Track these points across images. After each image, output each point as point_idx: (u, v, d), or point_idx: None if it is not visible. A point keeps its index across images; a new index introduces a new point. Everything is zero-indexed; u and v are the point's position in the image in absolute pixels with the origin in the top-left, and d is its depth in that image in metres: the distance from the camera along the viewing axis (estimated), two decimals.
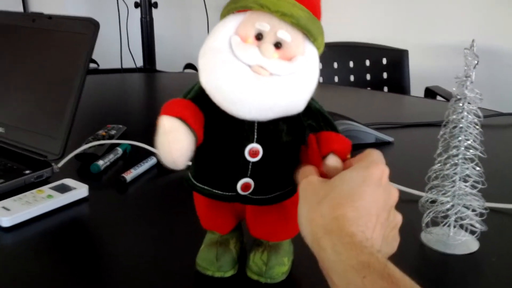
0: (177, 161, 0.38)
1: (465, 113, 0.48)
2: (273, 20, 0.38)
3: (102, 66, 2.09)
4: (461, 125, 0.48)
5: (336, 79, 1.49)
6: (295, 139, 0.42)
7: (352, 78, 1.49)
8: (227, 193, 0.43)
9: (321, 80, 1.41)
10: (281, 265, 0.46)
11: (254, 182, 0.42)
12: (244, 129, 0.40)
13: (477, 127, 0.48)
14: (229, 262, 0.46)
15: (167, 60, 2.38)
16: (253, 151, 0.41)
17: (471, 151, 0.49)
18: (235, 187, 0.42)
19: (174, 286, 0.46)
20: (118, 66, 2.25)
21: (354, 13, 2.06)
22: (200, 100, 0.40)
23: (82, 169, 0.71)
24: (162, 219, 0.59)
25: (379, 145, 0.82)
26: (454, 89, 0.48)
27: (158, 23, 2.35)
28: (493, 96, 1.75)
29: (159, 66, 2.37)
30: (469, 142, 0.48)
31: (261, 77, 0.37)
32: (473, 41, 0.45)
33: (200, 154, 0.43)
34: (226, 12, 0.40)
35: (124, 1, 2.31)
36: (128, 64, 2.28)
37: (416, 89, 1.46)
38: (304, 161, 0.42)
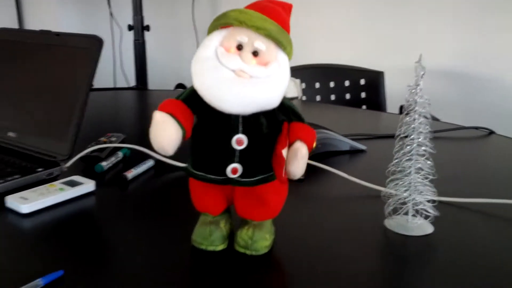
0: (165, 147, 0.47)
1: (416, 116, 0.57)
2: (250, 33, 0.47)
3: (96, 85, 2.18)
4: (413, 126, 0.58)
5: (318, 98, 1.59)
6: (273, 131, 0.50)
7: (333, 97, 1.60)
8: (219, 177, 0.51)
9: (304, 98, 1.51)
10: (263, 240, 0.54)
11: (242, 167, 0.50)
12: (231, 122, 0.49)
13: (427, 127, 0.58)
14: (220, 238, 0.55)
15: (159, 80, 2.48)
16: (239, 140, 0.49)
17: (422, 147, 0.58)
18: (225, 172, 0.50)
19: (173, 259, 0.54)
20: (112, 86, 2.34)
21: (334, 38, 2.18)
22: (192, 100, 0.49)
23: (86, 170, 0.79)
24: (159, 209, 0.67)
25: (353, 152, 0.92)
26: (406, 96, 0.57)
27: (150, 45, 2.44)
28: (466, 113, 1.88)
29: (151, 86, 2.47)
30: (420, 140, 0.58)
31: (242, 79, 0.46)
32: (420, 55, 0.55)
33: (196, 146, 0.52)
34: (212, 28, 0.49)
35: (117, 24, 2.41)
36: (121, 84, 2.38)
37: (393, 107, 1.57)
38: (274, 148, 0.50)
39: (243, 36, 0.47)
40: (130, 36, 2.40)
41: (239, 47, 0.47)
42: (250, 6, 0.49)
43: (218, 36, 0.48)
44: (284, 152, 0.49)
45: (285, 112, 0.51)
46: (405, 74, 1.90)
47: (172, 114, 0.47)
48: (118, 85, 2.40)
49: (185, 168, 0.54)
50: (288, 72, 0.49)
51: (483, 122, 1.11)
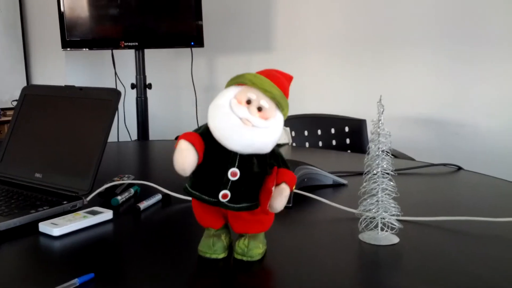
0: (186, 170, 0.59)
1: (380, 145, 0.71)
2: (259, 93, 0.61)
3: None
4: (377, 153, 0.71)
5: (307, 144, 1.73)
6: (261, 171, 0.63)
7: (320, 143, 1.74)
8: (211, 199, 0.63)
9: (294, 145, 1.65)
10: (257, 248, 0.66)
11: (230, 194, 0.62)
12: (230, 157, 0.61)
13: (389, 154, 0.71)
14: (221, 247, 0.66)
15: (159, 134, 2.63)
16: (233, 172, 0.61)
17: (385, 171, 0.71)
18: (217, 196, 0.62)
19: (183, 266, 0.65)
20: (115, 140, 2.49)
21: (321, 90, 2.37)
22: (205, 135, 0.61)
23: (103, 203, 0.91)
24: (167, 232, 0.78)
25: (336, 186, 1.04)
26: (371, 129, 0.71)
27: (152, 102, 2.61)
28: (443, 155, 2.02)
29: (151, 139, 2.61)
30: (383, 165, 0.71)
31: (246, 126, 0.59)
32: (380, 96, 0.70)
33: (198, 170, 0.64)
34: (230, 84, 0.63)
35: (121, 83, 2.59)
36: (124, 138, 2.52)
37: None
38: (265, 185, 0.63)
39: (253, 94, 0.60)
40: (133, 93, 2.56)
41: (248, 102, 0.60)
42: (261, 73, 0.63)
43: (234, 90, 0.61)
44: (272, 189, 0.62)
45: (275, 159, 0.64)
46: (385, 121, 2.07)
47: (192, 144, 0.60)
48: (121, 139, 2.54)
49: (184, 188, 0.65)
50: (281, 128, 0.62)
51: (458, 162, 1.24)
